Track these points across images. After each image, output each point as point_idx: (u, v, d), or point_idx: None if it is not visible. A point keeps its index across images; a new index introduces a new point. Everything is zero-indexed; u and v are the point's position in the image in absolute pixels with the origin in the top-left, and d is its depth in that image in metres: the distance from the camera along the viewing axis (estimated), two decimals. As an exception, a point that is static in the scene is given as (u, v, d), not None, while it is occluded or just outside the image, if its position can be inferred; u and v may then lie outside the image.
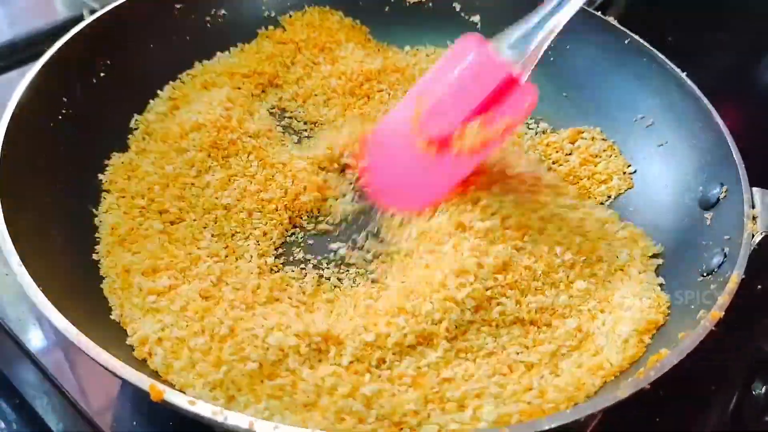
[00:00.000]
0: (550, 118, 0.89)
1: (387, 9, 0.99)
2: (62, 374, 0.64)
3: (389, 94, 0.90)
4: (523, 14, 0.86)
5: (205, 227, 0.71)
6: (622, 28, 0.86)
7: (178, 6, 0.88)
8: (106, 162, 0.74)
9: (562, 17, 0.70)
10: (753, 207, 0.64)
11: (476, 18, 0.97)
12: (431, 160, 0.73)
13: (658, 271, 0.69)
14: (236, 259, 0.69)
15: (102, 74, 0.78)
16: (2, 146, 0.62)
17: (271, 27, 0.95)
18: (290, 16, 0.96)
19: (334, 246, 0.73)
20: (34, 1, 1.16)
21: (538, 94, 0.70)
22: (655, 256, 0.70)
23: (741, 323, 0.68)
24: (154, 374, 0.55)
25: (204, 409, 0.45)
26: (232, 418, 0.45)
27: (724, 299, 0.56)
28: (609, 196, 0.79)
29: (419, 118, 0.75)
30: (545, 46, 0.71)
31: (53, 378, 0.63)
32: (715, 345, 0.55)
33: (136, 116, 0.80)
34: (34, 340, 0.67)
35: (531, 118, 0.90)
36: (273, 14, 0.96)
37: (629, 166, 0.81)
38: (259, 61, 0.90)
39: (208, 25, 0.91)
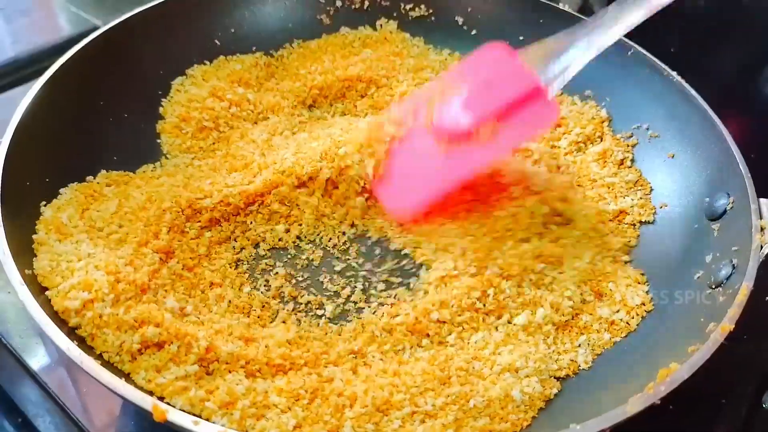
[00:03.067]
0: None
1: (390, 22, 0.99)
2: (64, 392, 0.63)
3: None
4: (528, 28, 0.87)
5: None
6: (624, 39, 0.86)
7: (180, 23, 0.88)
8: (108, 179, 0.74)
9: (608, 39, 0.66)
10: (761, 218, 0.63)
11: (476, 31, 0.97)
12: (439, 156, 0.71)
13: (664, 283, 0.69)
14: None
15: (104, 90, 0.78)
16: (5, 162, 0.62)
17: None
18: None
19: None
20: (37, 19, 1.17)
21: (559, 108, 0.69)
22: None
23: (750, 336, 0.68)
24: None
25: (208, 429, 0.45)
26: (236, 437, 0.45)
27: (733, 311, 0.56)
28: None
29: (434, 109, 0.72)
30: (582, 66, 0.68)
31: (55, 396, 0.63)
32: (725, 358, 0.54)
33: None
34: (37, 358, 0.66)
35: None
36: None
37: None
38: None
39: (217, 42, 0.91)
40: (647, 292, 0.68)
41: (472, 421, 0.55)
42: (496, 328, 0.64)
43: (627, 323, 0.65)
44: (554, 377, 0.61)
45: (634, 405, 0.49)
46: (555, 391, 0.60)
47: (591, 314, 0.66)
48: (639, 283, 0.69)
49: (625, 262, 0.72)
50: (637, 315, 0.66)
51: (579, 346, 0.64)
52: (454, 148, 0.70)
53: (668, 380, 0.51)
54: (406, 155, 0.74)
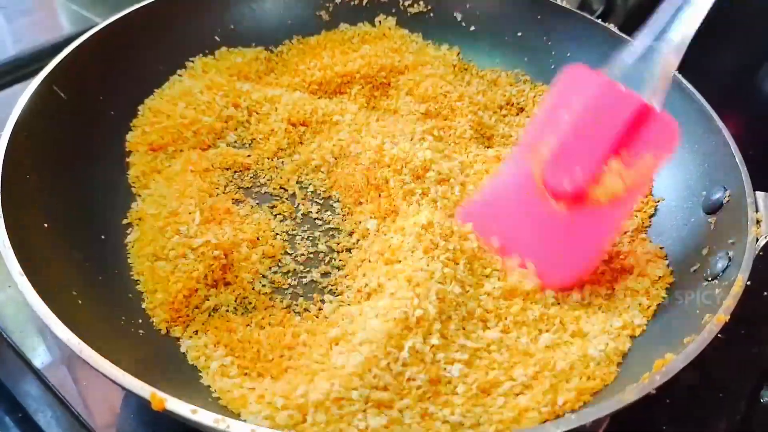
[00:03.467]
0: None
1: (388, 18, 0.99)
2: (65, 388, 0.64)
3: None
4: (527, 24, 0.86)
5: None
6: (623, 35, 0.86)
7: (179, 20, 0.88)
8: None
9: (689, 26, 0.62)
10: (757, 211, 0.64)
11: (475, 28, 0.97)
12: (567, 219, 0.64)
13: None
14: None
15: (103, 86, 0.78)
16: (5, 157, 0.62)
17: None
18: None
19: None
20: (38, 17, 1.18)
21: (678, 126, 0.64)
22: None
23: (748, 331, 0.68)
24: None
25: (206, 417, 0.45)
26: (235, 427, 0.45)
27: (729, 303, 0.56)
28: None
29: (542, 171, 0.64)
30: (676, 63, 0.63)
31: (56, 391, 0.63)
32: (723, 353, 0.55)
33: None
34: (37, 353, 0.67)
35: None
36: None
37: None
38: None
39: (217, 38, 0.92)
40: (668, 266, 0.69)
41: (566, 383, 0.56)
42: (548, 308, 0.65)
43: (655, 293, 0.66)
44: (622, 335, 0.62)
45: (630, 393, 0.49)
46: (628, 346, 0.61)
47: (626, 285, 0.67)
48: (659, 257, 0.70)
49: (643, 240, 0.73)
50: (660, 287, 0.67)
51: (628, 308, 0.65)
52: (579, 207, 0.63)
53: (663, 370, 0.51)
54: (527, 230, 0.67)
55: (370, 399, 0.53)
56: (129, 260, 0.68)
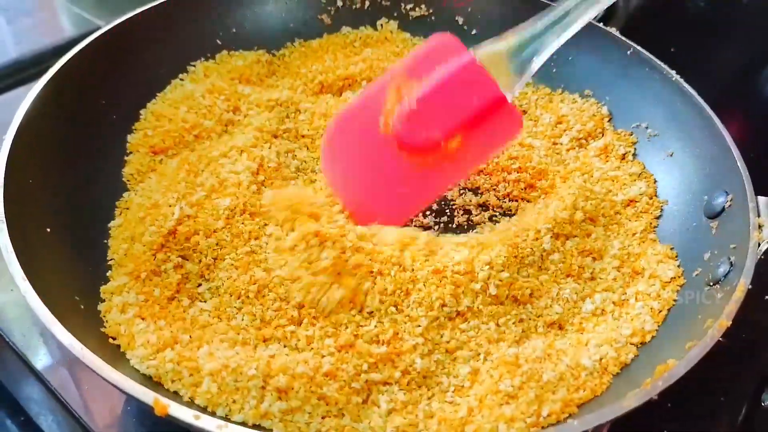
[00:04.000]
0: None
1: (390, 22, 0.99)
2: (67, 391, 0.64)
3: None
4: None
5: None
6: (624, 38, 0.86)
7: (181, 23, 0.88)
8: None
9: (561, 41, 0.66)
10: (759, 215, 0.64)
11: (476, 31, 0.97)
12: (405, 166, 0.69)
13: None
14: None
15: (105, 90, 0.78)
16: (8, 161, 0.62)
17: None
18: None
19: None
20: (40, 20, 1.18)
21: (522, 119, 0.69)
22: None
23: (750, 335, 0.68)
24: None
25: (208, 423, 0.45)
26: (236, 432, 0.45)
27: (731, 308, 0.56)
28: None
29: (391, 114, 0.69)
30: (537, 67, 0.67)
31: (58, 395, 0.63)
32: (724, 357, 0.54)
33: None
34: (39, 356, 0.67)
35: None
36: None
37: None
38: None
39: (218, 42, 0.92)
40: (679, 266, 0.69)
41: (552, 394, 0.56)
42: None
43: (666, 296, 0.66)
44: (629, 344, 0.62)
45: (631, 400, 0.49)
46: (631, 356, 0.61)
47: (636, 289, 0.67)
48: (669, 258, 0.70)
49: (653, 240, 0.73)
50: (672, 290, 0.66)
51: (639, 314, 0.64)
52: (419, 159, 0.69)
53: (666, 376, 0.51)
54: (364, 155, 0.72)
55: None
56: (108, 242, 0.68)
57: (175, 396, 0.54)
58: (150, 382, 0.54)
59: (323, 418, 0.54)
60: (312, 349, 0.59)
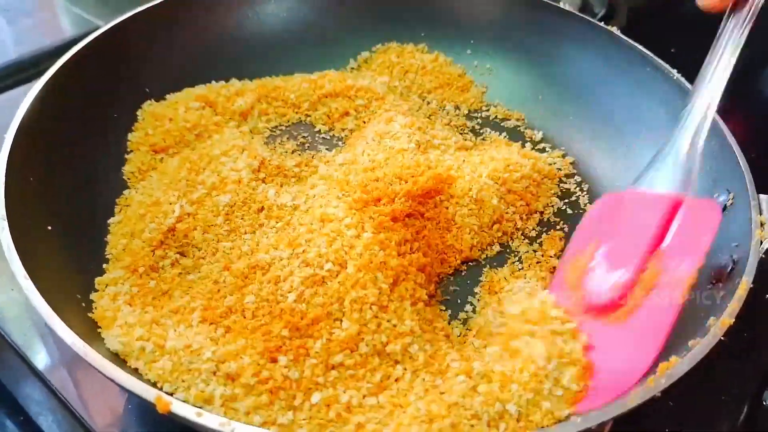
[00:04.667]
0: (553, 130, 0.90)
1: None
2: (67, 391, 0.63)
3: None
4: (526, 29, 0.86)
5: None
6: (625, 38, 0.86)
7: (181, 23, 0.88)
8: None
9: (703, 125, 0.65)
10: (761, 213, 0.64)
11: (476, 30, 0.97)
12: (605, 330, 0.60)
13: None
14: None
15: (105, 89, 0.78)
16: (8, 161, 0.62)
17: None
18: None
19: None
20: (40, 20, 1.18)
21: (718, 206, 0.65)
22: None
23: (752, 333, 0.68)
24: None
25: (211, 420, 0.45)
26: (240, 430, 0.45)
27: (733, 306, 0.56)
28: None
29: (578, 287, 0.64)
30: (699, 156, 0.65)
31: (58, 394, 0.63)
32: (726, 356, 0.54)
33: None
34: (39, 356, 0.66)
35: (533, 128, 0.90)
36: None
37: None
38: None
39: (218, 41, 0.92)
40: None
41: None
42: None
43: None
44: None
45: (634, 398, 0.49)
46: None
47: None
48: None
49: None
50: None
51: None
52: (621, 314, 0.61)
53: (668, 373, 0.51)
54: None
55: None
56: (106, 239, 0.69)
57: (135, 373, 0.53)
58: (118, 359, 0.55)
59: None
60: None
